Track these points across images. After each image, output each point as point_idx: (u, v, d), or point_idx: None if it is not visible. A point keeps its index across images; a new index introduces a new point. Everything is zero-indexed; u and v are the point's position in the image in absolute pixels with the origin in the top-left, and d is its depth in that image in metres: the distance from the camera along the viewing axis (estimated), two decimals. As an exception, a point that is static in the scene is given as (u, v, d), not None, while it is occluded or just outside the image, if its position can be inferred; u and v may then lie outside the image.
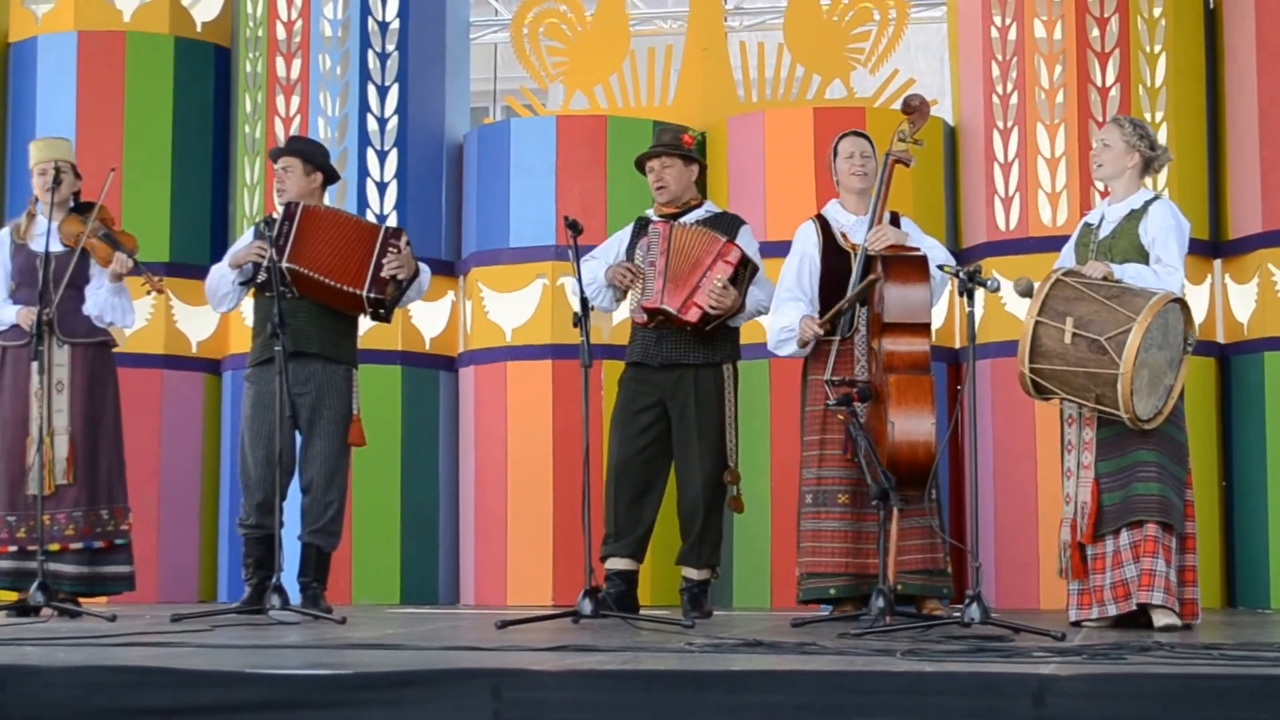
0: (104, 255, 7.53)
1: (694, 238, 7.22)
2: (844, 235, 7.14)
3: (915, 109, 7.10)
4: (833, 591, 6.98)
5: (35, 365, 7.26)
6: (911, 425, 6.51)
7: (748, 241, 7.35)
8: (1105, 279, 6.25)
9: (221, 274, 7.50)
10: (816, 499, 7.03)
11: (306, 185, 7.53)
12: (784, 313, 7.16)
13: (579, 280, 6.67)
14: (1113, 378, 6.08)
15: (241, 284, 7.46)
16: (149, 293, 7.54)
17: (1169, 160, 6.75)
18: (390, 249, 7.38)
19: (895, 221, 7.13)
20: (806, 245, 7.21)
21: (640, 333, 7.34)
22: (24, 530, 7.43)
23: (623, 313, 7.45)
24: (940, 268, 6.64)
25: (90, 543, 7.52)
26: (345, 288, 7.31)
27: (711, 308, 7.11)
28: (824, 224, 7.22)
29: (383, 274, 7.35)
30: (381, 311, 7.44)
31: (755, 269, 7.26)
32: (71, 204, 7.68)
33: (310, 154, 7.61)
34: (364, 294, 7.33)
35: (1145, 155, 6.59)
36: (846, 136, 7.25)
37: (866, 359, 6.92)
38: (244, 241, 7.60)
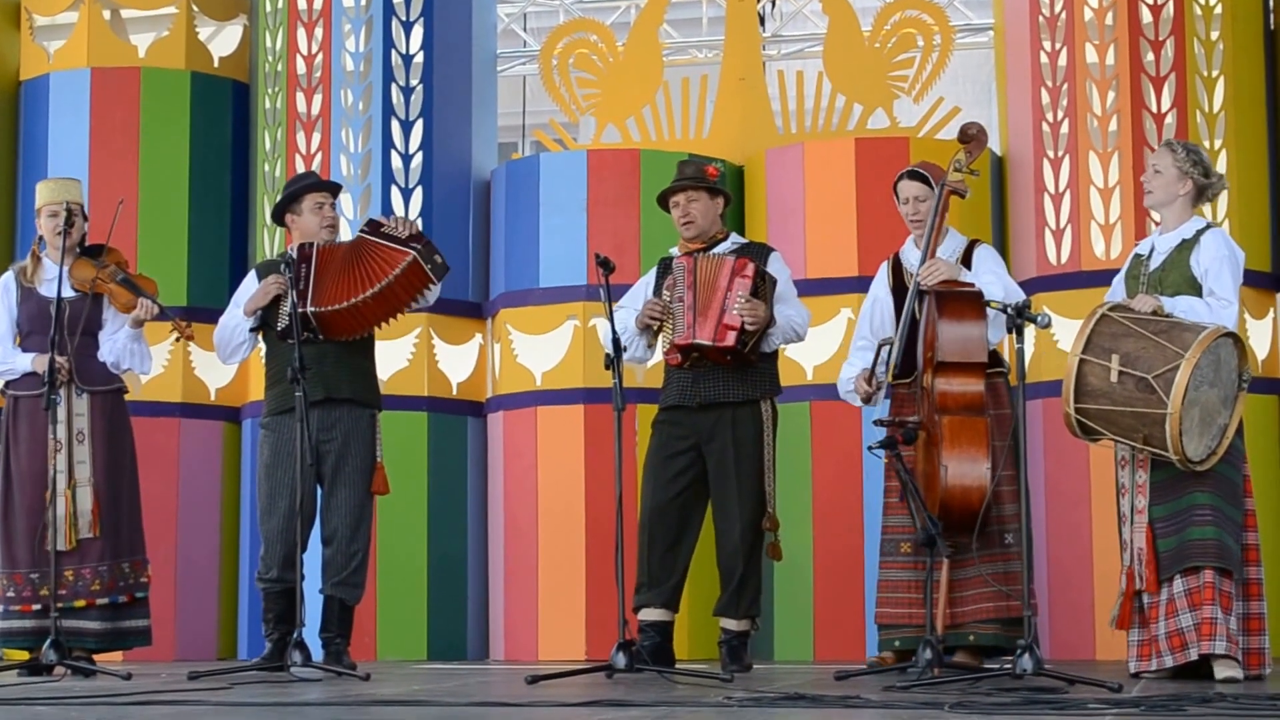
0: (124, 301, 7.49)
1: (714, 266, 7.22)
2: (911, 275, 7.11)
3: (972, 138, 7.05)
4: (897, 644, 6.94)
5: (51, 415, 7.22)
6: (965, 469, 6.48)
7: (779, 269, 7.36)
8: (1155, 313, 6.25)
9: (236, 323, 7.48)
10: (884, 548, 7.03)
11: None
12: (851, 362, 7.20)
13: (611, 320, 6.71)
14: (1161, 417, 6.06)
15: (252, 330, 7.46)
16: (177, 340, 7.43)
17: (1223, 188, 6.74)
18: (383, 228, 7.32)
19: (969, 251, 7.09)
20: (878, 288, 7.22)
21: (675, 375, 7.34)
22: (47, 588, 7.28)
23: (656, 354, 7.46)
24: (987, 303, 6.61)
25: (115, 597, 7.50)
26: (391, 276, 7.16)
27: (747, 325, 7.10)
28: (896, 264, 7.23)
29: (404, 237, 7.26)
30: (438, 258, 7.29)
31: (775, 281, 7.28)
32: (79, 248, 7.63)
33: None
34: (413, 254, 7.19)
35: (1199, 183, 6.57)
36: (902, 179, 7.17)
37: (920, 400, 6.90)
38: (249, 287, 7.54)
